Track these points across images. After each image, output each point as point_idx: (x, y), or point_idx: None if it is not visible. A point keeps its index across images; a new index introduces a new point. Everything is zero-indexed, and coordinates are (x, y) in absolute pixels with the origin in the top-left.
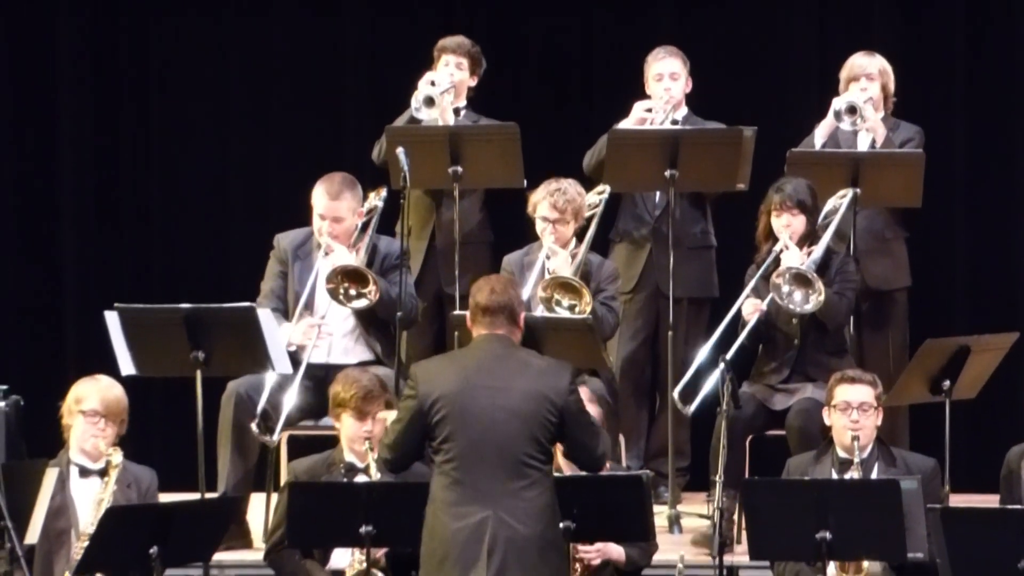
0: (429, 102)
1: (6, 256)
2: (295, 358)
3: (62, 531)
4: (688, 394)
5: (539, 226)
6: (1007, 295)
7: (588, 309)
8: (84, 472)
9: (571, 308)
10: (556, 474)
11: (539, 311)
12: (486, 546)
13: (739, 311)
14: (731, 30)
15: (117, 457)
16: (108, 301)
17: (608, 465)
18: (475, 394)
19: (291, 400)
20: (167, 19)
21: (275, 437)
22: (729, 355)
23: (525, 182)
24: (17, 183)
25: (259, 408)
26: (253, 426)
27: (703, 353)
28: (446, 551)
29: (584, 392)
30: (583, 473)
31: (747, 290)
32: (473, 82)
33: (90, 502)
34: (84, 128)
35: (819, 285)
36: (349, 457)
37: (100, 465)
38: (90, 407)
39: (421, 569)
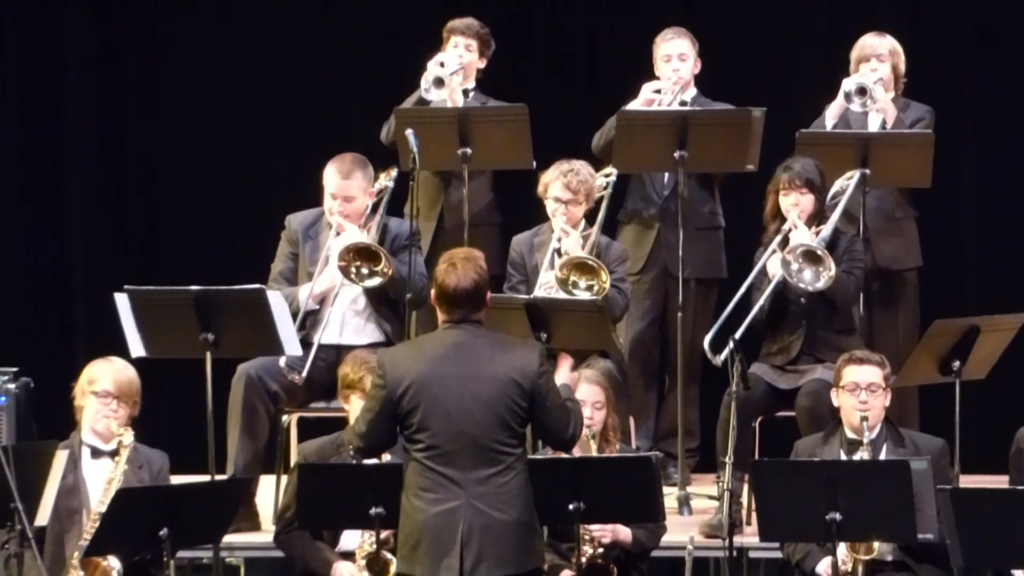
0: (439, 83)
1: (15, 238)
2: (308, 339)
3: (74, 511)
4: (717, 345)
5: (550, 207)
6: (1017, 275)
7: (607, 288)
8: (96, 453)
9: (589, 288)
10: (565, 455)
11: (553, 292)
12: (460, 534)
13: (764, 269)
14: (739, 10)
15: (128, 438)
16: (118, 283)
17: (617, 446)
18: (444, 383)
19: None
20: (175, 3)
21: (303, 374)
22: (739, 333)
23: (534, 163)
24: (26, 166)
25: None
26: (281, 362)
27: (729, 308)
28: (420, 537)
29: (590, 374)
30: (593, 452)
31: (755, 270)
32: (482, 64)
33: (101, 482)
34: (92, 110)
35: (829, 262)
36: (354, 442)
37: (112, 446)
38: (102, 388)
39: (397, 554)
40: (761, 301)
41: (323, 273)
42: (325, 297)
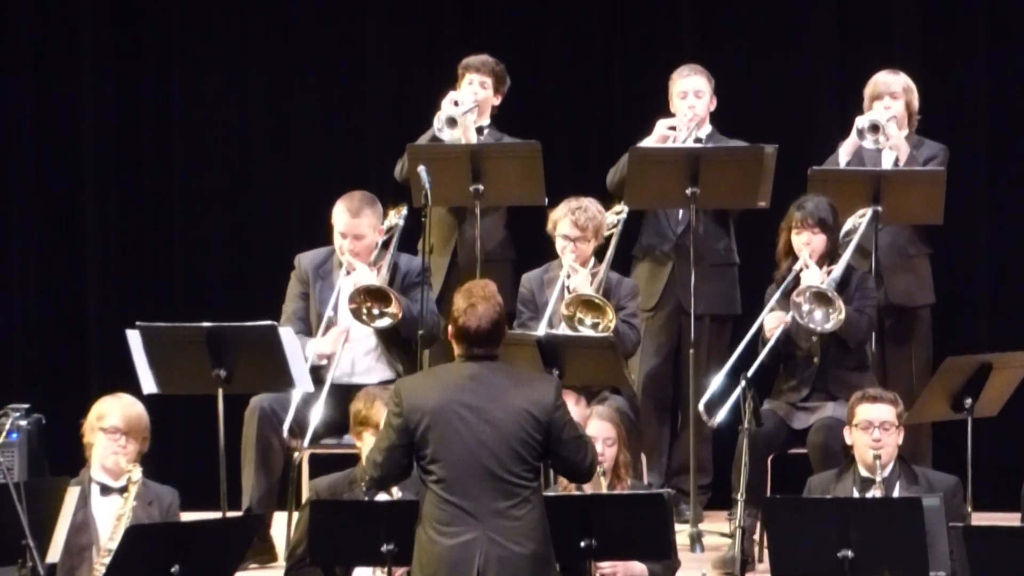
0: (451, 123)
1: (30, 275)
2: (319, 375)
3: (84, 548)
4: (712, 407)
5: (559, 244)
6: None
7: (612, 326)
8: (105, 490)
9: (595, 326)
10: (577, 492)
11: (561, 328)
12: (477, 567)
13: (761, 326)
14: (754, 47)
15: (137, 474)
16: (131, 319)
17: (629, 482)
18: (461, 414)
19: (318, 413)
20: (190, 38)
21: (305, 443)
22: (750, 372)
23: (547, 200)
24: (42, 203)
25: (287, 422)
26: (284, 429)
27: (727, 367)
28: (436, 569)
29: (602, 410)
30: (604, 489)
31: (767, 308)
32: (497, 100)
33: (111, 519)
34: (107, 144)
35: (839, 304)
36: (368, 474)
37: (121, 483)
38: (111, 424)
39: None
40: (762, 356)
41: (327, 336)
42: (331, 355)
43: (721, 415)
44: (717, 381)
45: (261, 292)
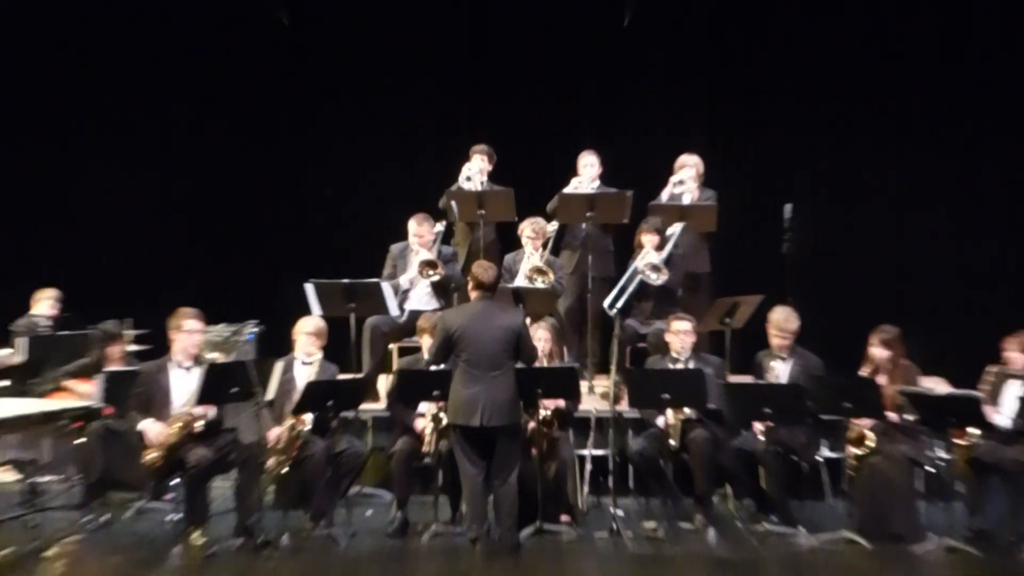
0: (468, 180)
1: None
2: (401, 305)
3: (290, 391)
4: (612, 306)
5: (524, 241)
6: (752, 276)
7: (552, 281)
8: (303, 364)
9: (543, 282)
10: (537, 365)
11: (524, 283)
12: (481, 403)
13: (630, 276)
14: (622, 142)
15: (319, 355)
16: (304, 277)
17: (557, 362)
18: (476, 328)
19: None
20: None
21: (403, 320)
22: (620, 304)
23: (516, 217)
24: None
25: (400, 312)
26: (400, 314)
27: (613, 294)
28: (459, 406)
29: (543, 324)
30: (545, 365)
31: (628, 272)
32: (490, 167)
33: (305, 378)
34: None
35: (664, 271)
36: (426, 358)
37: (311, 360)
38: (308, 330)
39: (448, 412)
40: (630, 290)
41: (407, 273)
42: (412, 285)
43: (617, 306)
44: (611, 296)
45: (370, 264)
